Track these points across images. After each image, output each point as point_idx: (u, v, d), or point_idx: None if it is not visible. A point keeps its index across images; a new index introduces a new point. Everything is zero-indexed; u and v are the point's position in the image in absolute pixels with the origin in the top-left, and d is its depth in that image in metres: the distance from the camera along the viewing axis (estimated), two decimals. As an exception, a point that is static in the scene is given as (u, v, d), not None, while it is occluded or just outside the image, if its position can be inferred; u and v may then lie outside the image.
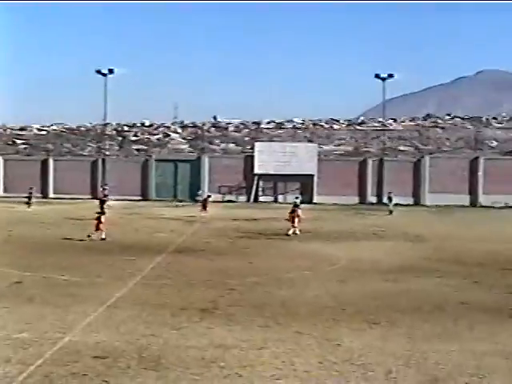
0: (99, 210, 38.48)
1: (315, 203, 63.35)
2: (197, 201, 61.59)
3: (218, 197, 67.60)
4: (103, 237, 32.89)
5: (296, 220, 37.43)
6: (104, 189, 59.36)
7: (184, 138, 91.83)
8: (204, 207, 52.36)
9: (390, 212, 54.01)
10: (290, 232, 36.53)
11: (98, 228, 33.19)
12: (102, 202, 49.56)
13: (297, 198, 42.97)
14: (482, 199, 62.81)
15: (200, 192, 65.47)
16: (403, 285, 22.58)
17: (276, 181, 68.73)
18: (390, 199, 56.15)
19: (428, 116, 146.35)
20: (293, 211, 37.94)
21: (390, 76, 74.74)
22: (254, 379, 12.65)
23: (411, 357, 14.20)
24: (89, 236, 32.82)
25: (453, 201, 61.28)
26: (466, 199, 63.29)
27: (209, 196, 57.23)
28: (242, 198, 68.14)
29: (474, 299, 20.21)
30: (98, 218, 33.48)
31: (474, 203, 62.66)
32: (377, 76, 74.92)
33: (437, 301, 19.92)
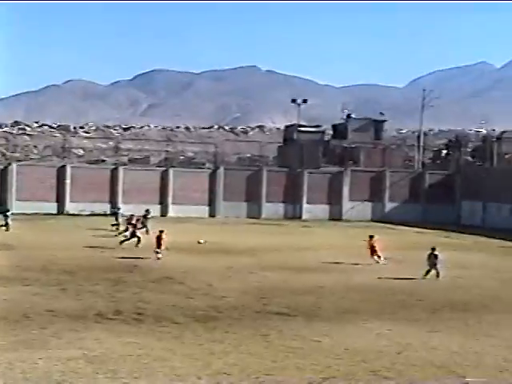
0: None
1: None
2: None
3: None
4: None
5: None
6: None
7: None
8: None
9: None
10: None
11: None
12: None
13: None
14: (70, 207, 63.49)
15: None
16: (-12, 295, 22.19)
17: None
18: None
19: (16, 123, 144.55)
20: None
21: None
22: None
23: (-2, 367, 14.13)
24: None
25: (41, 209, 61.04)
26: (54, 207, 63.42)
27: None
28: None
29: (62, 306, 20.64)
30: None
31: (61, 211, 63.06)
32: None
33: (24, 309, 19.95)
